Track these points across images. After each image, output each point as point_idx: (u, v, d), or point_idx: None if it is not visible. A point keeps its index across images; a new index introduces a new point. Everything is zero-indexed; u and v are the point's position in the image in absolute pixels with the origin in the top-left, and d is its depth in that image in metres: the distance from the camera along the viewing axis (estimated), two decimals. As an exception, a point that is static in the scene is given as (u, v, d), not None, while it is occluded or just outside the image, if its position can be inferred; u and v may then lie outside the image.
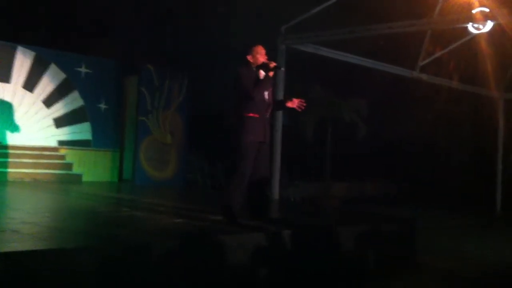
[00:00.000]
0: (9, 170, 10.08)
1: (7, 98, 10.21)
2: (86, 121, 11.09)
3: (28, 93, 10.46)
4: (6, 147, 10.14)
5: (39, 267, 3.74)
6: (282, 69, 5.58)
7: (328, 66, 11.59)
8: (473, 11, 8.26)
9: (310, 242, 5.52)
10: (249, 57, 5.60)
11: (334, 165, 14.80)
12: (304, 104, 5.72)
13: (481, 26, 8.48)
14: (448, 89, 12.37)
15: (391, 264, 6.11)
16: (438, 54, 11.28)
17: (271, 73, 5.54)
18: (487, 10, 8.20)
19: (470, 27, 8.63)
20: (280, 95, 9.54)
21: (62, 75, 10.81)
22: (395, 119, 15.15)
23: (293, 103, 5.69)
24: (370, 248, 6.00)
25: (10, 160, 10.13)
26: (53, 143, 10.72)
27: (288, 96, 5.91)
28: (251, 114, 5.46)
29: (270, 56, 5.74)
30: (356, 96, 14.89)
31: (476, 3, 8.26)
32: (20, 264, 3.67)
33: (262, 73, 5.57)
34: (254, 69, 5.57)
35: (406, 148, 15.60)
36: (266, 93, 5.58)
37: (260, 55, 5.57)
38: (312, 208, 9.56)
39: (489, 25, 8.42)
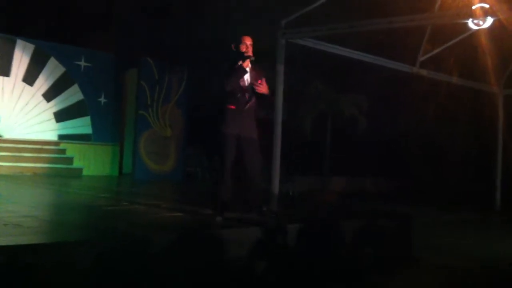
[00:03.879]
0: (10, 164, 10.10)
1: (7, 91, 10.21)
2: (86, 115, 11.11)
3: (27, 86, 10.47)
4: (6, 141, 10.15)
5: (41, 260, 3.76)
6: (252, 58, 5.47)
7: (328, 60, 11.58)
8: (473, 7, 8.24)
9: (307, 236, 5.53)
10: (232, 46, 5.56)
11: (333, 160, 14.81)
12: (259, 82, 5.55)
13: (481, 22, 8.46)
14: (448, 84, 12.37)
15: (390, 260, 6.13)
16: (438, 49, 11.27)
17: (245, 64, 5.47)
18: (487, 6, 8.19)
19: (470, 23, 8.62)
20: (280, 89, 9.53)
21: (61, 69, 10.83)
22: (394, 114, 15.15)
23: (262, 88, 5.55)
24: (368, 243, 6.02)
25: (11, 154, 10.15)
26: (53, 137, 10.74)
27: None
28: (228, 106, 5.45)
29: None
30: (356, 91, 14.89)
31: (476, -1, 8.24)
32: (22, 258, 3.70)
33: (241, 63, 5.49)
34: (236, 59, 5.49)
35: (405, 143, 15.60)
36: (245, 85, 5.49)
37: (243, 44, 5.50)
38: (310, 203, 9.59)
39: (489, 21, 8.41)
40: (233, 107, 5.45)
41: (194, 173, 12.62)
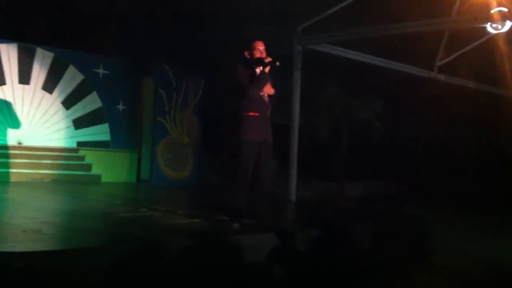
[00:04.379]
0: (29, 170, 10.21)
1: (26, 99, 10.36)
2: (105, 122, 11.20)
3: (47, 94, 10.60)
4: (26, 148, 10.29)
5: (59, 266, 3.81)
6: (278, 64, 5.42)
7: (343, 65, 11.57)
8: (492, 11, 8.19)
9: (323, 241, 5.52)
10: (246, 53, 5.52)
11: (348, 165, 14.76)
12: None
13: (499, 26, 8.40)
14: (463, 88, 12.29)
15: (404, 264, 6.10)
16: (456, 54, 11.21)
17: (267, 69, 5.42)
18: (505, 9, 8.13)
19: (489, 27, 8.56)
20: (296, 96, 9.54)
21: (80, 77, 10.94)
22: (409, 119, 15.07)
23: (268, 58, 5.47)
24: (383, 247, 5.99)
25: (30, 161, 10.27)
26: (72, 144, 10.84)
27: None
28: (251, 113, 5.40)
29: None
30: (371, 95, 14.83)
31: (495, 3, 8.18)
32: (41, 264, 3.74)
33: (259, 69, 5.47)
34: (252, 65, 5.46)
35: (421, 147, 15.51)
36: (265, 91, 5.48)
37: (256, 50, 5.46)
38: (325, 208, 9.56)
39: (508, 25, 8.34)
40: (255, 113, 5.42)
41: (211, 179, 12.65)
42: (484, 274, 6.24)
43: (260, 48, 5.49)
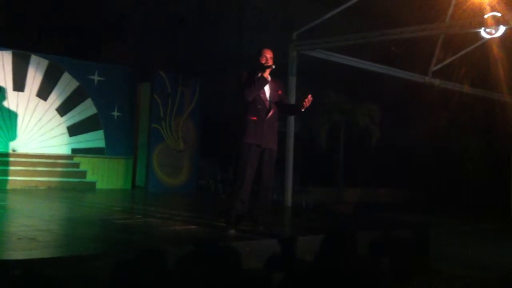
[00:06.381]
0: (24, 178, 10.18)
1: (21, 106, 10.32)
2: (100, 128, 11.17)
3: (41, 101, 10.56)
4: (21, 155, 10.24)
5: (55, 273, 3.78)
6: (273, 67, 5.49)
7: (341, 71, 11.60)
8: (485, 16, 8.24)
9: (322, 248, 5.52)
10: (261, 60, 5.56)
11: (346, 171, 14.76)
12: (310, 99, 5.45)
13: (493, 31, 8.45)
14: (460, 94, 12.34)
15: (405, 270, 6.09)
16: (450, 59, 11.26)
17: (266, 74, 5.49)
18: (499, 14, 8.18)
19: (483, 32, 8.60)
20: (292, 102, 9.54)
21: (75, 83, 10.91)
22: (407, 124, 15.11)
23: (307, 102, 5.47)
24: (384, 254, 5.99)
25: (24, 168, 10.23)
26: (67, 151, 10.81)
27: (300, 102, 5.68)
28: (249, 117, 5.45)
29: (279, 60, 5.67)
30: (369, 101, 14.86)
31: (488, 8, 8.24)
32: (38, 271, 3.71)
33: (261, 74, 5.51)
34: (256, 71, 5.51)
35: (419, 153, 15.54)
36: (265, 96, 5.52)
37: (263, 57, 5.53)
38: (324, 214, 9.55)
39: (502, 29, 8.39)
40: (254, 117, 5.45)
41: (207, 186, 12.62)
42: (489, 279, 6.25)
43: (267, 56, 5.57)
